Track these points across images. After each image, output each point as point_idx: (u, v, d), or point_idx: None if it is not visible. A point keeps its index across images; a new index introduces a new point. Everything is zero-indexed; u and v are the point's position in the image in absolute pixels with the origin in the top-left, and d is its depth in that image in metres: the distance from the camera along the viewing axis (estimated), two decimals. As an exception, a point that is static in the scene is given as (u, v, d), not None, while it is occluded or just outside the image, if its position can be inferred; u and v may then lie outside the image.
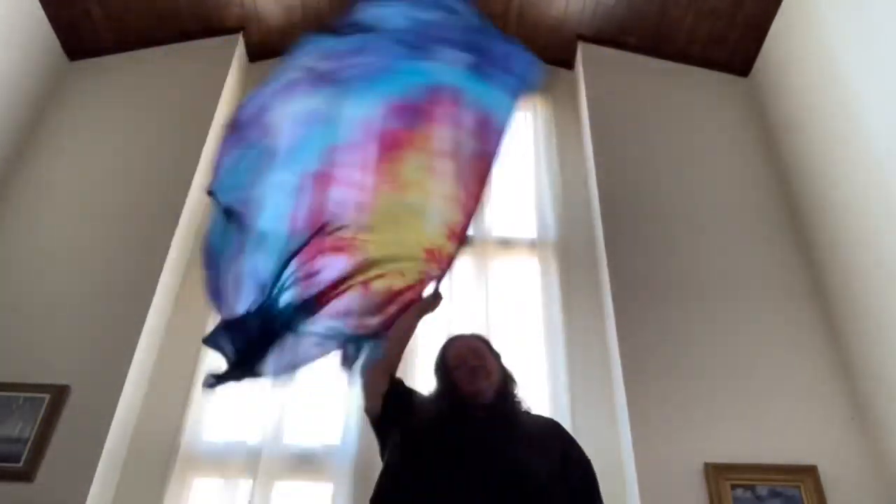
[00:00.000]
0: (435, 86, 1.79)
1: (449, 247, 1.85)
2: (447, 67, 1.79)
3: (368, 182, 1.77)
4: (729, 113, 3.53)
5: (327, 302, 1.76)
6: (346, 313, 1.78)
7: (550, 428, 1.70)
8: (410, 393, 1.73)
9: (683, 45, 3.65)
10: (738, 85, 3.65)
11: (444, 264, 1.86)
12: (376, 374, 1.72)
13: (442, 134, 1.80)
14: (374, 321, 1.82)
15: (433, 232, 1.85)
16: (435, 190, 1.83)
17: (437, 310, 1.88)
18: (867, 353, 2.61)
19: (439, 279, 1.88)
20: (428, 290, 1.90)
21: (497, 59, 1.83)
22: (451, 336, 1.84)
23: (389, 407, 1.65)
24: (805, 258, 3.01)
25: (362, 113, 1.75)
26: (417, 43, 1.77)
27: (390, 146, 1.77)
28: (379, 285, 1.84)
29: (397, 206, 1.82)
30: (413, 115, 1.78)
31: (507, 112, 1.84)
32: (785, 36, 3.33)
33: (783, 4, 3.31)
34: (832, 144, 2.92)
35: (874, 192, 2.63)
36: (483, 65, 1.81)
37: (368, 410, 1.70)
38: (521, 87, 1.85)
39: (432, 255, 1.85)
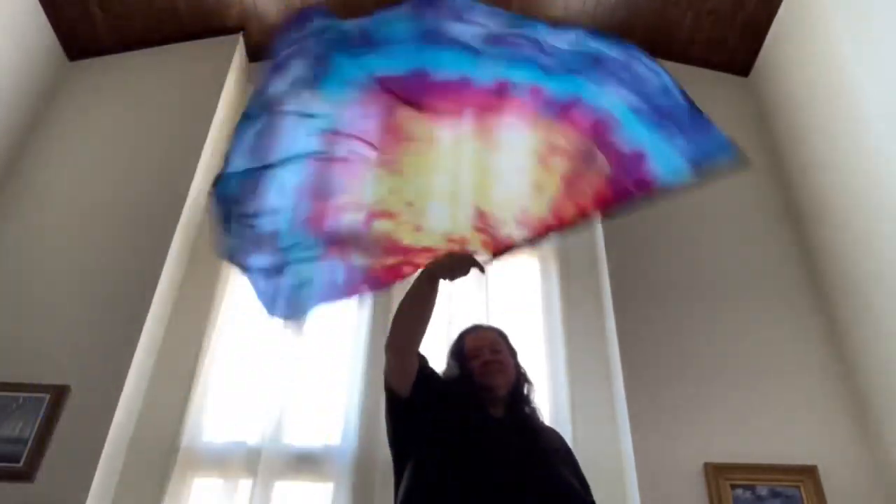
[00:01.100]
0: (577, 98, 1.58)
1: (507, 232, 1.61)
2: (603, 92, 1.58)
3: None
4: (729, 113, 3.52)
5: (322, 216, 1.57)
6: (331, 234, 1.59)
7: (563, 442, 1.70)
8: (436, 380, 1.62)
9: (683, 45, 3.65)
10: (738, 85, 3.64)
11: (495, 246, 1.63)
12: (405, 355, 1.57)
13: (570, 135, 1.59)
14: (356, 258, 1.61)
15: (500, 203, 1.62)
16: (532, 172, 1.61)
17: (461, 279, 1.60)
18: (867, 353, 2.61)
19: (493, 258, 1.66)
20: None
21: (679, 124, 1.62)
22: (470, 325, 1.82)
23: (417, 397, 1.54)
24: (805, 258, 3.01)
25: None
26: (578, 66, 1.56)
27: (491, 107, 1.57)
28: (382, 226, 1.61)
29: (476, 155, 1.60)
30: (547, 107, 1.58)
31: (672, 170, 1.61)
32: (785, 36, 3.33)
33: (783, 5, 3.31)
34: (832, 144, 2.92)
35: (875, 192, 2.62)
36: (652, 116, 1.60)
37: (392, 387, 1.57)
38: (700, 158, 1.62)
39: (483, 227, 1.63)
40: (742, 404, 2.58)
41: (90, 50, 3.55)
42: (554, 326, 2.90)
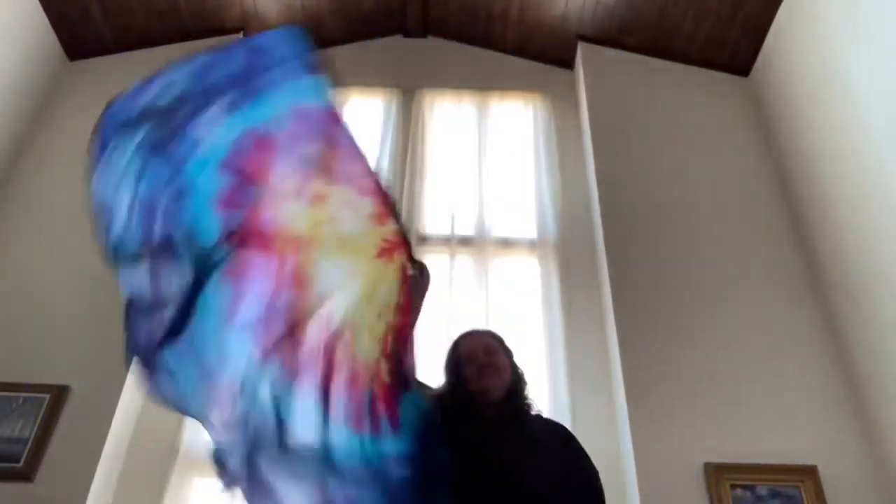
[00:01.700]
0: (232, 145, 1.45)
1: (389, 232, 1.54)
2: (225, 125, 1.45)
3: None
4: (729, 113, 3.53)
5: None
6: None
7: (559, 434, 1.68)
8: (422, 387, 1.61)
9: (683, 45, 3.65)
10: (738, 85, 3.64)
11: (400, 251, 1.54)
12: None
13: (280, 170, 1.48)
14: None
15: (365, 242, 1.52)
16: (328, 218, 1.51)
17: (430, 286, 1.65)
18: (867, 353, 2.61)
19: (409, 261, 1.59)
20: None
21: (254, 69, 1.48)
22: (464, 331, 1.81)
23: None
24: (805, 258, 3.01)
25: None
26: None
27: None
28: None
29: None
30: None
31: (307, 94, 1.46)
32: (785, 36, 3.33)
33: (783, 5, 3.31)
34: (832, 144, 2.92)
35: (874, 192, 2.63)
36: (245, 90, 1.47)
37: None
38: (296, 66, 1.45)
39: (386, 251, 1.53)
40: (742, 404, 2.58)
41: (90, 50, 3.55)
42: (554, 326, 2.90)
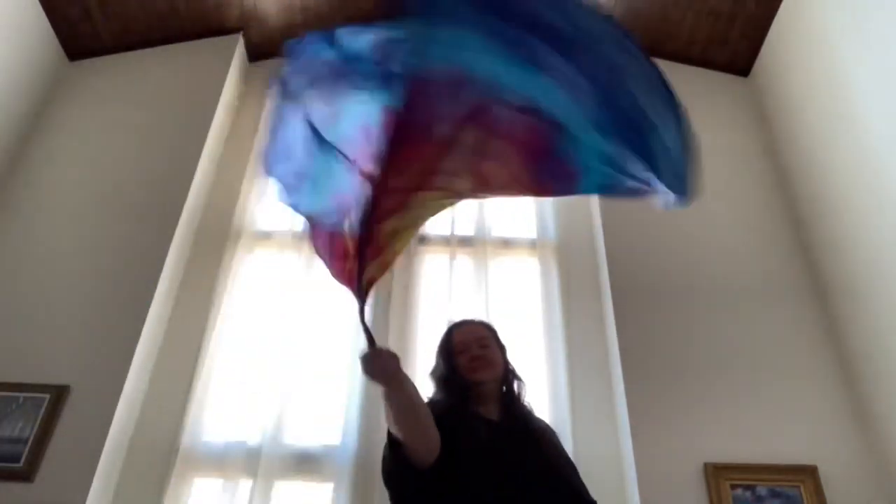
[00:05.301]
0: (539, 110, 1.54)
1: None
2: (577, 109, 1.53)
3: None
4: (729, 113, 3.53)
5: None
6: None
7: (554, 435, 1.70)
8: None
9: (683, 45, 3.65)
10: (738, 85, 3.64)
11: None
12: (428, 443, 1.46)
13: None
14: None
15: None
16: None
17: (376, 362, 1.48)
18: (867, 353, 2.61)
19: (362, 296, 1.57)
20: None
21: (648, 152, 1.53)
22: (459, 320, 1.81)
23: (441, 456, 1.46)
24: (805, 258, 3.01)
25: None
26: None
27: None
28: (387, 227, 1.56)
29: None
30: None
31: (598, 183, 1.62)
32: (785, 36, 3.33)
33: (783, 4, 3.31)
34: (832, 144, 2.92)
35: (874, 192, 2.63)
36: (615, 134, 1.53)
37: (413, 464, 1.49)
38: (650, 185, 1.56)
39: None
40: (742, 404, 2.58)
41: (90, 50, 3.55)
42: (554, 326, 2.89)
